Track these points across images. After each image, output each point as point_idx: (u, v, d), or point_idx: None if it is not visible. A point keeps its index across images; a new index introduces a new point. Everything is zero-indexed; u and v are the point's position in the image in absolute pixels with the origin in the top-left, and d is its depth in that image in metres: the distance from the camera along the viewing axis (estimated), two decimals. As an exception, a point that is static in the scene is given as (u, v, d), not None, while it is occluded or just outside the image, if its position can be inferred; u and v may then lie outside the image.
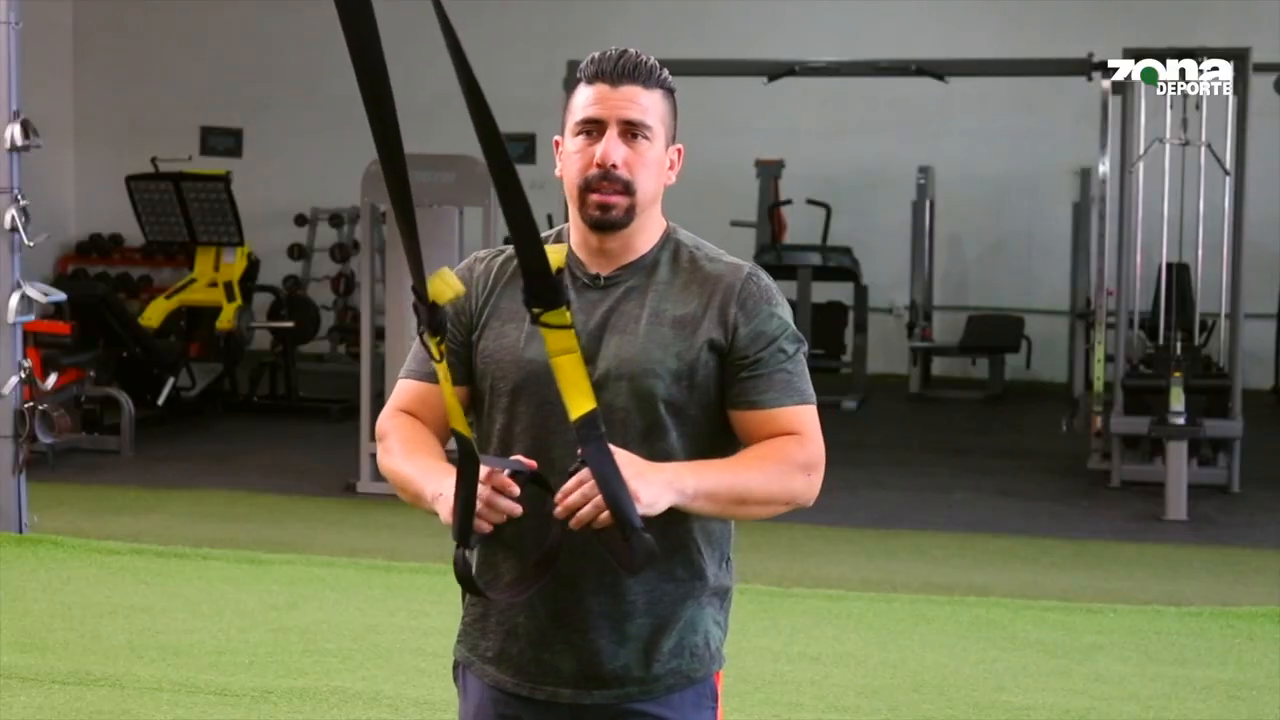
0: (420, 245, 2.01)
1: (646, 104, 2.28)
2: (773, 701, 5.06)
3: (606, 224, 2.29)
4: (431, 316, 2.06)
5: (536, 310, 2.05)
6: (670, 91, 2.34)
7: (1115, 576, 6.92)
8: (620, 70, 2.28)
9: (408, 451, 2.34)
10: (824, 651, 5.62)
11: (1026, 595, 6.46)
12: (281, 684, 5.09)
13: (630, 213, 2.29)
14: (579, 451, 2.09)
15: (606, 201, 2.28)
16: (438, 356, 2.07)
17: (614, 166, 2.26)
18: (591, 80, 2.29)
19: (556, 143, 2.37)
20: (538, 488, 2.16)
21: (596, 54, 2.31)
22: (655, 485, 2.11)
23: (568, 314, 2.05)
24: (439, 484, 2.20)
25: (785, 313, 2.36)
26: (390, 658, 5.41)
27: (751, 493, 2.24)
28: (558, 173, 2.36)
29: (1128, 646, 5.77)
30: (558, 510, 2.10)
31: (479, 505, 2.10)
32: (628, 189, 2.28)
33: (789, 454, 2.28)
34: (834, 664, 5.47)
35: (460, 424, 2.10)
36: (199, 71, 14.81)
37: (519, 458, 2.18)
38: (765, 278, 2.37)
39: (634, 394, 2.27)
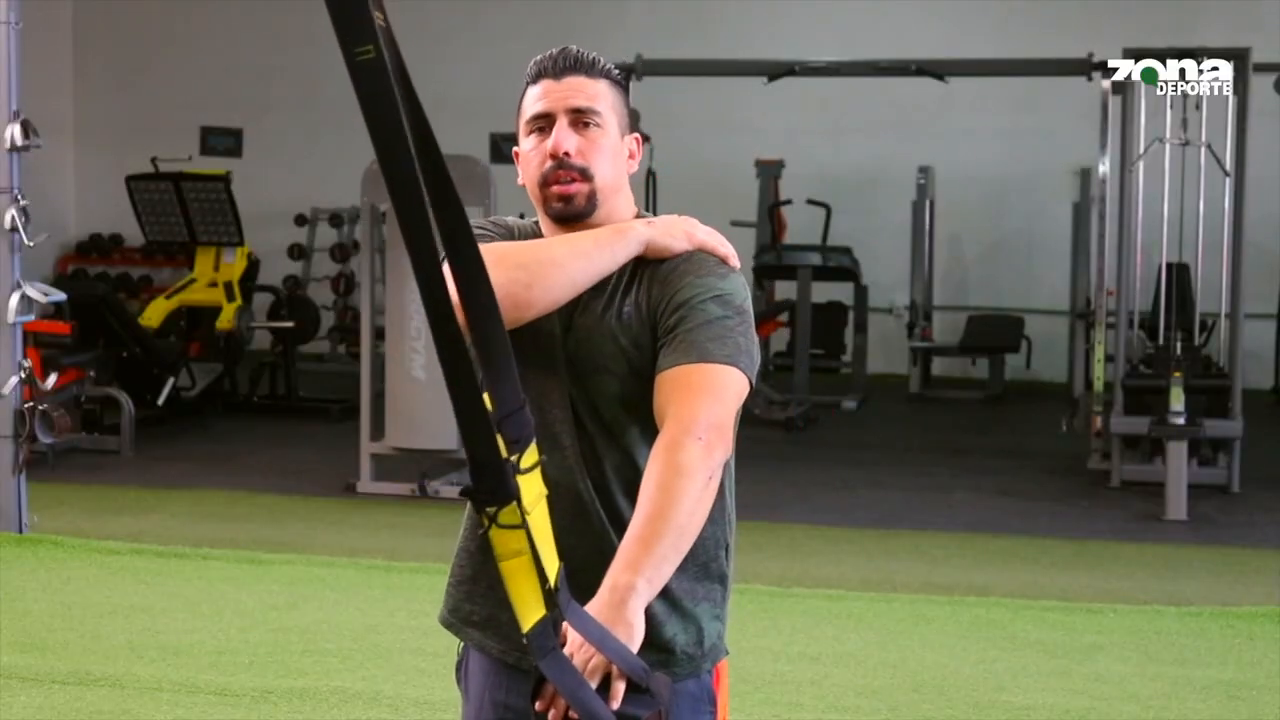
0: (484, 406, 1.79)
1: (592, 92, 2.29)
2: (773, 701, 5.06)
3: (570, 215, 2.29)
4: (505, 479, 1.82)
5: (491, 510, 1.82)
6: (617, 82, 2.34)
7: (1115, 576, 6.92)
8: (562, 63, 2.29)
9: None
10: (824, 651, 5.62)
11: (1026, 595, 6.46)
12: (281, 684, 5.09)
13: (592, 199, 2.29)
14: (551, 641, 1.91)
15: (566, 192, 2.28)
16: (520, 521, 1.84)
17: (566, 154, 2.26)
18: (536, 79, 2.31)
19: (516, 154, 2.37)
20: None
21: (539, 56, 2.32)
22: (620, 625, 1.98)
23: (536, 450, 1.87)
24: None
25: (711, 282, 2.24)
26: (390, 658, 5.41)
27: (680, 514, 2.07)
28: (520, 181, 2.36)
29: (1128, 646, 5.77)
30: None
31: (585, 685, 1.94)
32: (584, 174, 2.27)
33: (671, 441, 2.11)
34: (834, 664, 5.47)
35: (537, 606, 1.90)
36: (199, 71, 14.82)
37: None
38: (710, 258, 2.29)
39: (594, 390, 2.27)
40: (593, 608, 1.99)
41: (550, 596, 1.89)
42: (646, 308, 2.26)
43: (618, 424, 2.27)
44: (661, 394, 2.19)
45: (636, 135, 2.38)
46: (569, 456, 2.27)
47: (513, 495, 1.82)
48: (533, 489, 1.89)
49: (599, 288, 2.29)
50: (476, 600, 2.35)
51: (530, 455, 1.88)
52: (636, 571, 2.02)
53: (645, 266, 2.30)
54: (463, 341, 1.77)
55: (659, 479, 2.09)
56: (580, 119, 2.27)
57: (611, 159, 2.30)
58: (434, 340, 1.76)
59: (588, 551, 2.20)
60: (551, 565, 1.91)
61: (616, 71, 2.35)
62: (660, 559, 2.05)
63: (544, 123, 2.28)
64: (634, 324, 2.27)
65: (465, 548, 2.39)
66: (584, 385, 2.28)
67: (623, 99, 2.34)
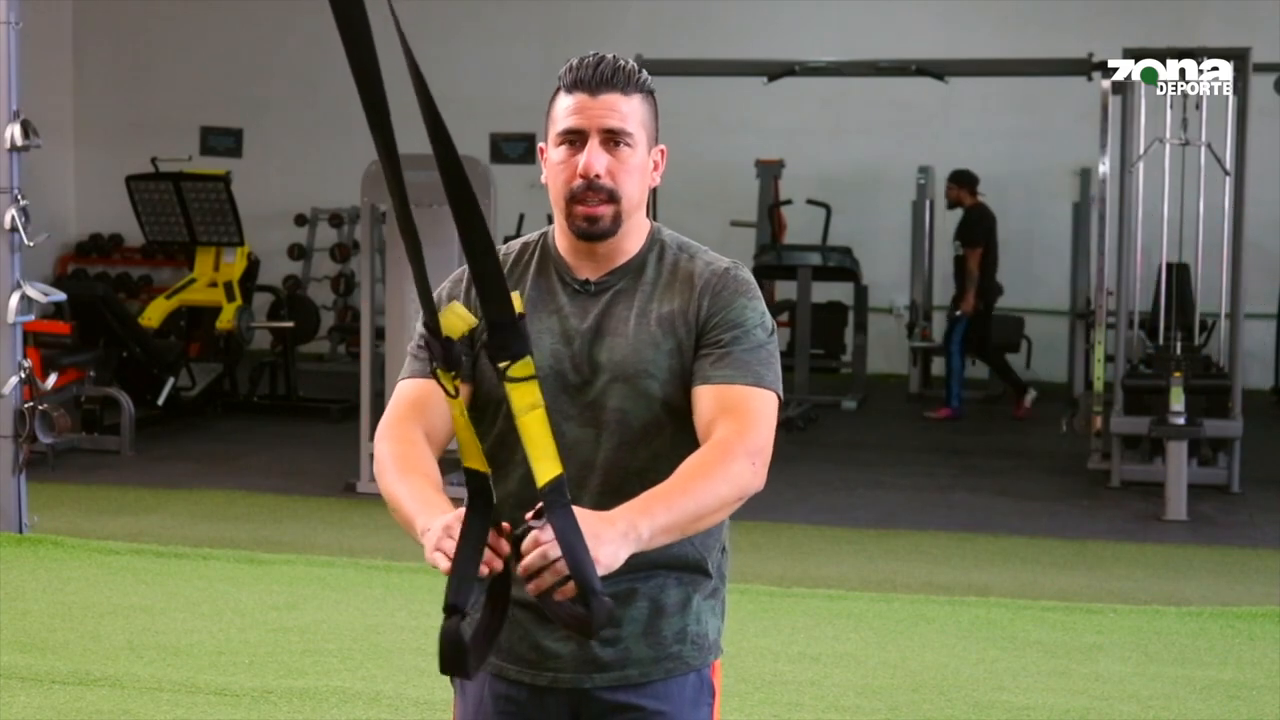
0: (429, 283, 1.97)
1: (627, 110, 2.30)
2: (773, 701, 5.06)
3: (594, 234, 2.32)
4: (447, 352, 1.98)
5: (503, 365, 1.95)
6: (650, 93, 2.35)
7: (1115, 576, 6.92)
8: (599, 78, 2.28)
9: (402, 471, 2.22)
10: (824, 651, 5.62)
11: (1026, 595, 6.46)
12: (281, 684, 5.09)
13: (617, 220, 2.32)
14: (529, 518, 1.99)
15: (592, 213, 2.30)
16: (453, 392, 1.99)
17: (597, 176, 2.28)
18: (571, 89, 2.30)
19: (541, 150, 2.38)
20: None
21: (574, 61, 2.32)
22: (611, 544, 2.01)
23: (531, 364, 1.97)
24: (432, 515, 2.08)
25: (759, 306, 2.35)
26: (390, 658, 5.41)
27: (705, 506, 2.15)
28: (543, 179, 2.37)
29: (1128, 646, 5.77)
30: (519, 570, 1.99)
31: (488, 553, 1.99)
32: (612, 197, 2.30)
33: (729, 447, 2.19)
34: (834, 664, 5.47)
35: (476, 459, 2.01)
36: (199, 71, 14.82)
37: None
38: (743, 273, 2.38)
39: (632, 395, 2.30)
40: (585, 518, 2.00)
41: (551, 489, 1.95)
42: (694, 318, 2.31)
43: (655, 424, 2.31)
44: (715, 404, 2.25)
45: (662, 147, 2.39)
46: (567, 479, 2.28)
47: (526, 349, 1.94)
48: (525, 397, 1.96)
49: (627, 293, 2.34)
50: None
51: (524, 367, 1.96)
52: (649, 519, 2.07)
53: (666, 272, 2.36)
54: (478, 211, 1.90)
55: (704, 468, 2.16)
56: (612, 138, 2.29)
57: (639, 178, 2.33)
58: (454, 213, 1.89)
59: None
60: (546, 472, 1.95)
61: (649, 80, 2.35)
62: (668, 526, 2.10)
63: (575, 137, 2.29)
64: (677, 330, 2.32)
65: None
66: (626, 392, 2.30)
67: (653, 110, 2.36)
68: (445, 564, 1.97)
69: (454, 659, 1.96)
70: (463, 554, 1.96)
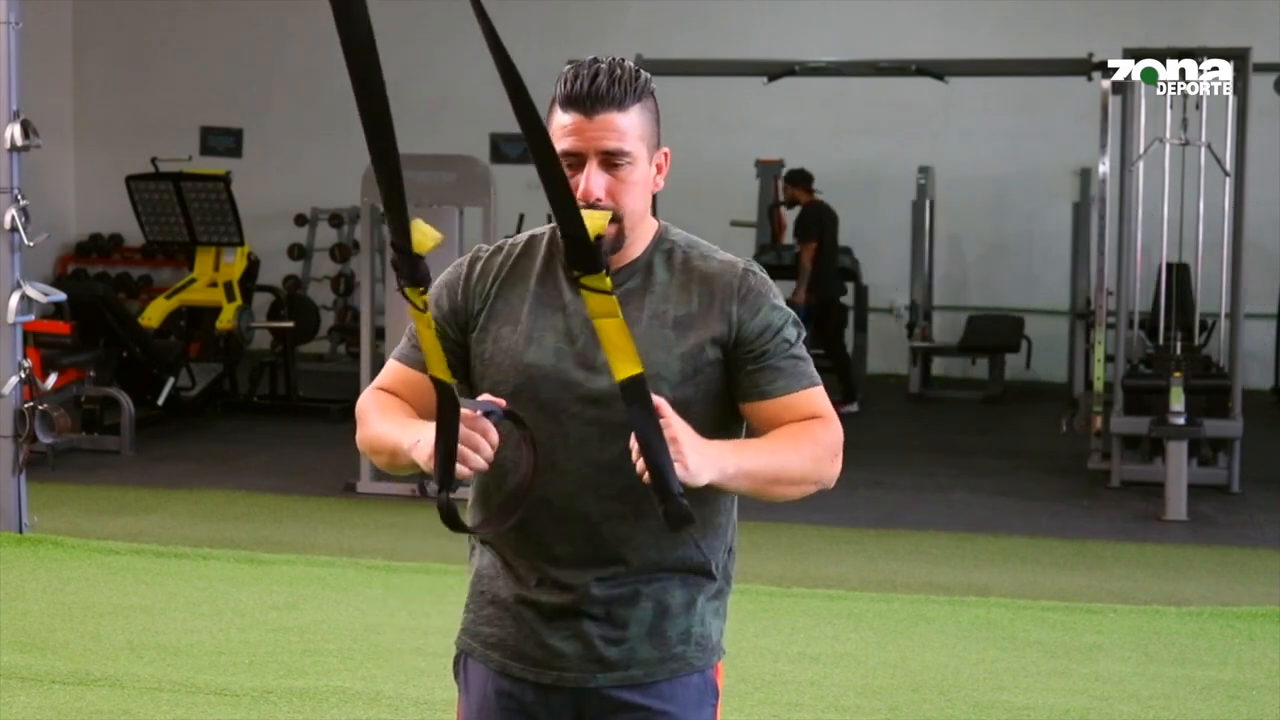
0: (405, 200, 1.95)
1: (624, 128, 2.26)
2: (773, 701, 5.06)
3: None
4: (414, 270, 1.98)
5: (576, 273, 2.03)
6: (650, 96, 2.31)
7: (1115, 576, 6.92)
8: (594, 95, 2.24)
9: (384, 416, 2.34)
10: (824, 651, 5.62)
11: (1026, 595, 6.46)
12: (281, 684, 5.09)
13: (620, 237, 2.31)
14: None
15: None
16: (421, 307, 2.00)
17: (598, 200, 2.26)
18: (565, 107, 2.27)
19: None
20: (511, 423, 2.18)
21: (569, 72, 2.28)
22: (701, 457, 2.09)
23: (608, 279, 2.01)
24: (417, 432, 2.17)
25: (781, 304, 2.36)
26: (390, 658, 5.41)
27: (787, 473, 2.24)
28: None
29: (1128, 646, 5.78)
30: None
31: (460, 447, 2.08)
32: (614, 217, 2.28)
33: (819, 437, 2.28)
34: (834, 664, 5.47)
35: (441, 370, 2.05)
36: (199, 71, 14.82)
37: (488, 397, 2.16)
38: (760, 272, 2.38)
39: None
40: (686, 427, 2.09)
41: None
42: (720, 324, 2.30)
43: None
44: (785, 415, 2.30)
45: (665, 150, 2.36)
46: (572, 479, 2.30)
47: (601, 265, 2.01)
48: (604, 304, 2.03)
49: (637, 293, 2.32)
50: (494, 624, 2.40)
51: (602, 279, 2.03)
52: (737, 456, 2.17)
53: (678, 273, 2.34)
54: (548, 141, 1.97)
55: (794, 441, 2.26)
56: (610, 159, 2.26)
57: (640, 192, 2.31)
58: (529, 145, 1.95)
59: (588, 560, 2.31)
60: (624, 370, 2.04)
61: (649, 81, 2.31)
62: (751, 473, 2.19)
63: (573, 160, 2.26)
64: (694, 333, 2.31)
65: (479, 578, 2.44)
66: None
67: (654, 115, 2.32)
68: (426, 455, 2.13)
69: (450, 520, 2.11)
70: (441, 447, 2.07)
